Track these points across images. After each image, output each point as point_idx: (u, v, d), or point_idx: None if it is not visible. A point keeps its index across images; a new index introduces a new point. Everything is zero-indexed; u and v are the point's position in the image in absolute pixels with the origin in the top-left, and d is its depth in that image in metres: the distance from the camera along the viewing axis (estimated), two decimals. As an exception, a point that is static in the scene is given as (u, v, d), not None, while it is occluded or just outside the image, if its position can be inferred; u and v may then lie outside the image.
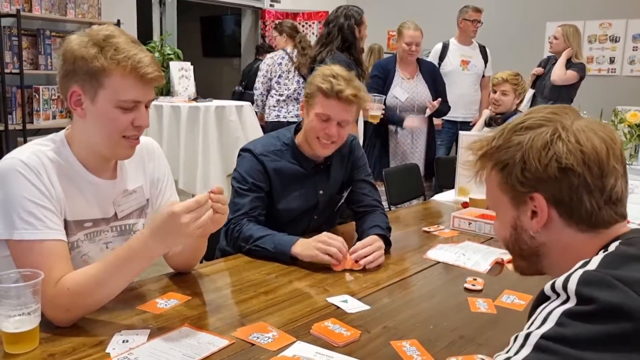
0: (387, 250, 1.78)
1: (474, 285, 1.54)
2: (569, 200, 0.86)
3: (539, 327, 0.75)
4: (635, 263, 0.78)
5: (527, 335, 0.75)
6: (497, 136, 0.93)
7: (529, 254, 0.95)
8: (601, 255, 0.82)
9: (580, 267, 0.79)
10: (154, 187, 1.52)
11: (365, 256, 1.65)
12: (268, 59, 4.74)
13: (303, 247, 1.66)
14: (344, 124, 1.81)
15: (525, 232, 0.93)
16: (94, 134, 1.30)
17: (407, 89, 3.61)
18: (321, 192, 1.95)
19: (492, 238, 2.02)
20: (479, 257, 1.77)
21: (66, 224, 1.30)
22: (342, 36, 3.13)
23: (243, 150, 1.91)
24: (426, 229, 2.13)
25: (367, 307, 1.40)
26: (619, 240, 0.85)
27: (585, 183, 0.85)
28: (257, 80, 4.75)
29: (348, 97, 1.75)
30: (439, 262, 1.76)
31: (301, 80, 4.55)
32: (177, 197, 1.60)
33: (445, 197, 2.71)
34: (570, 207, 0.87)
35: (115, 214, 1.41)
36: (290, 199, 1.90)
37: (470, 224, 2.11)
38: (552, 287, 0.78)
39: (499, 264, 1.72)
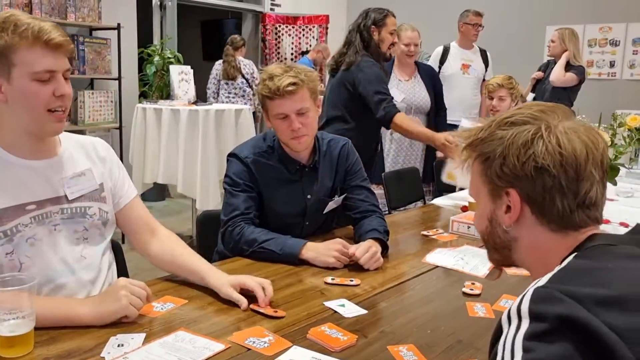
0: (384, 254, 1.78)
1: (472, 289, 1.53)
2: (542, 199, 0.87)
3: None
4: (586, 277, 0.78)
5: None
6: (485, 128, 0.94)
7: (501, 247, 0.96)
8: (555, 270, 0.81)
9: (533, 285, 0.79)
10: (110, 178, 1.53)
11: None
12: (217, 65, 6.16)
13: (317, 252, 1.69)
14: (304, 112, 1.81)
15: (499, 225, 0.94)
16: (19, 114, 1.30)
17: (404, 90, 3.60)
18: (309, 196, 1.94)
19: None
20: (477, 262, 1.76)
21: (2, 212, 1.29)
22: (360, 35, 3.10)
23: (230, 155, 1.92)
24: (425, 232, 2.12)
25: (364, 312, 1.39)
26: (575, 253, 0.85)
27: (559, 185, 0.85)
28: (209, 81, 6.18)
29: (288, 88, 1.75)
30: (437, 266, 1.75)
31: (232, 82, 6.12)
32: (134, 188, 1.61)
33: (444, 201, 2.70)
34: (543, 207, 0.87)
35: (66, 196, 1.40)
36: (278, 203, 1.90)
37: (469, 227, 2.10)
38: (508, 315, 0.77)
39: (497, 269, 1.71)
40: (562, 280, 0.78)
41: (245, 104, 5.86)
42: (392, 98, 3.00)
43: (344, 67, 3.02)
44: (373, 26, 3.05)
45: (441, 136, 2.89)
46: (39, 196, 1.36)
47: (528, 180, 0.87)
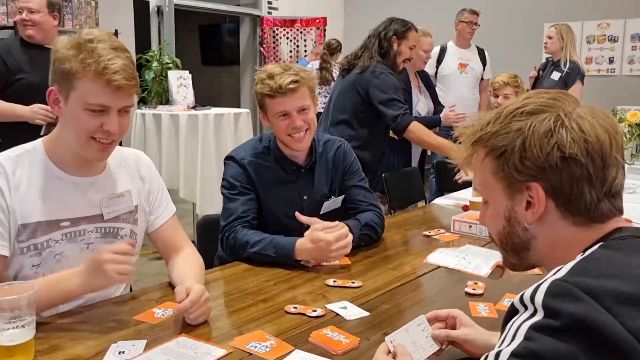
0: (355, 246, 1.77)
1: (474, 289, 1.52)
2: (569, 191, 0.82)
3: (508, 345, 0.72)
4: (610, 268, 0.74)
5: (498, 355, 0.72)
6: (492, 121, 0.88)
7: (521, 247, 0.91)
8: (577, 259, 0.78)
9: (552, 275, 0.76)
10: (147, 199, 1.53)
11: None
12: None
13: (307, 253, 1.69)
14: (305, 109, 1.81)
15: (519, 224, 0.88)
16: (67, 132, 1.34)
17: (424, 102, 3.59)
18: (305, 197, 1.93)
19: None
20: (479, 261, 1.75)
21: (36, 225, 1.32)
22: (379, 42, 2.99)
23: (227, 158, 1.92)
24: (426, 233, 2.11)
25: (367, 314, 1.38)
26: (601, 243, 0.82)
27: (588, 174, 0.81)
28: None
29: (290, 86, 1.76)
30: (439, 267, 1.74)
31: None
32: (173, 206, 1.61)
33: (445, 201, 2.69)
34: (569, 199, 0.83)
35: (102, 214, 1.41)
36: (274, 204, 1.89)
37: (470, 227, 2.09)
38: (521, 299, 0.75)
39: (500, 268, 1.70)
40: (583, 271, 0.74)
41: None
42: (407, 108, 2.93)
43: (357, 70, 2.93)
44: (394, 37, 2.97)
45: None
46: (75, 213, 1.37)
47: (553, 171, 0.82)
